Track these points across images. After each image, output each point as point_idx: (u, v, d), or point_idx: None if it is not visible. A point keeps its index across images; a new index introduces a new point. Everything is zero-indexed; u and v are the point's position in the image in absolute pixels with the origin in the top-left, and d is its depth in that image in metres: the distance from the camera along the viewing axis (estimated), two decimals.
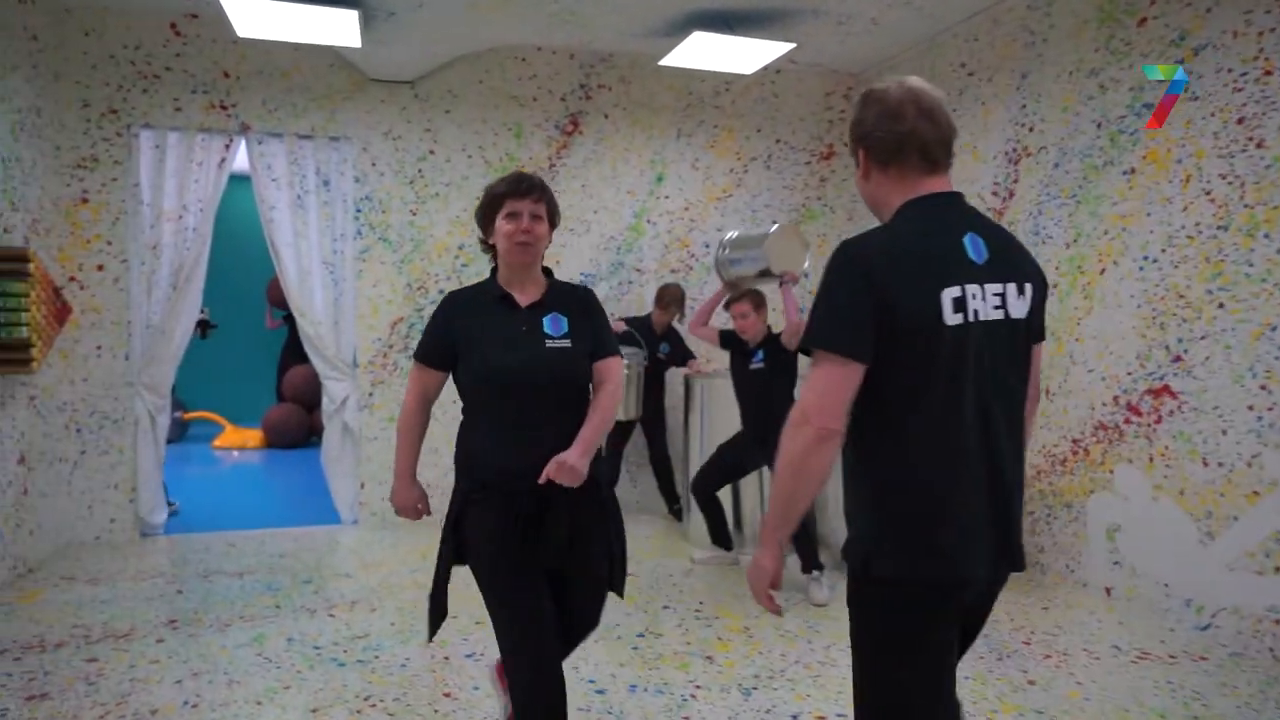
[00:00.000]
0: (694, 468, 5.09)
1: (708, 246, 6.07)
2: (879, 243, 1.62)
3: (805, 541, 4.20)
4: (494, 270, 2.36)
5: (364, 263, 5.49)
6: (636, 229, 5.95)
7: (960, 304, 1.57)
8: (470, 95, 5.62)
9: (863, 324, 1.55)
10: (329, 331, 5.47)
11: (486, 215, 2.31)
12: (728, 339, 4.64)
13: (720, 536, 4.69)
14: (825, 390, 1.56)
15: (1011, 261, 1.68)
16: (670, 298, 5.47)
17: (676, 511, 5.67)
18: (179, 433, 8.79)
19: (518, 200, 2.25)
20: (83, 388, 5.04)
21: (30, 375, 4.44)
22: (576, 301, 2.35)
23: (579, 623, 2.39)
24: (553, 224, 2.35)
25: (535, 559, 2.20)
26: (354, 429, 5.47)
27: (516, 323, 2.25)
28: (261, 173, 5.33)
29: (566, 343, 2.25)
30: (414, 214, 5.54)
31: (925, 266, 1.58)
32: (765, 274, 4.61)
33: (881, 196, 1.71)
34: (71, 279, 5.00)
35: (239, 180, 6.37)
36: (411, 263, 5.55)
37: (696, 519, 4.99)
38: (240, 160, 5.39)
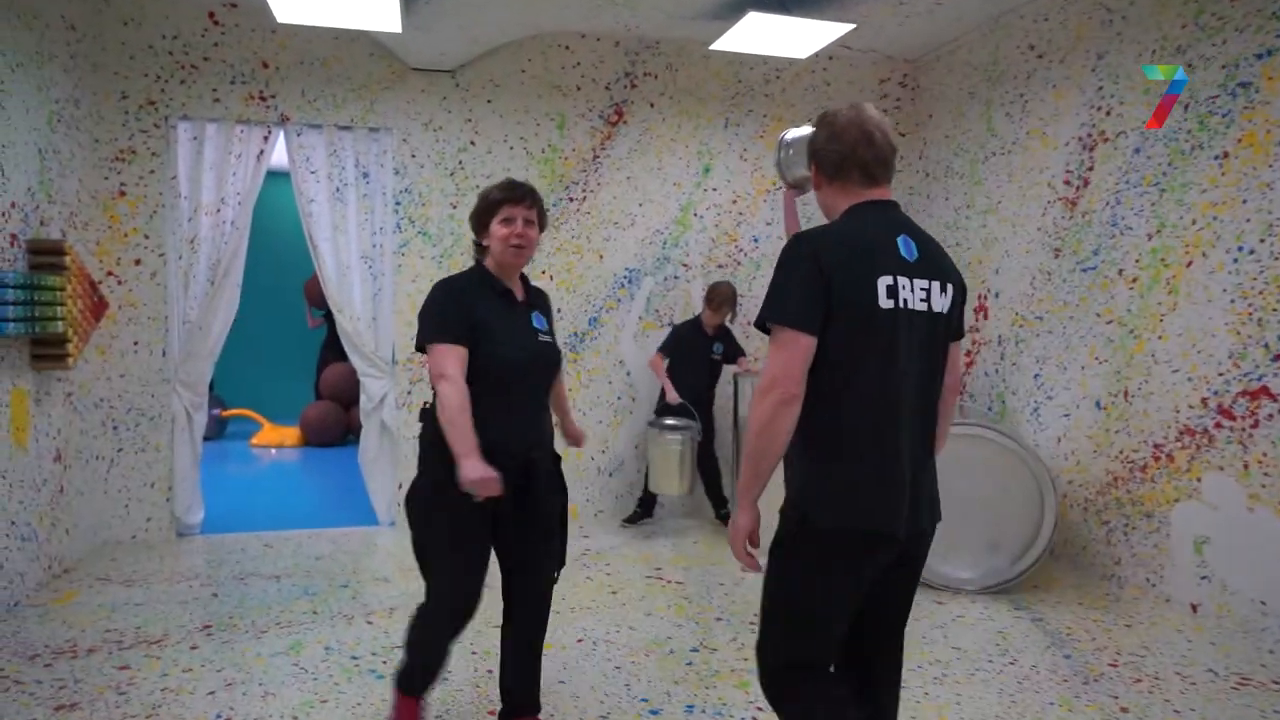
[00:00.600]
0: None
1: (756, 240, 5.84)
2: (826, 235, 1.88)
3: None
4: (480, 266, 2.55)
5: (403, 257, 5.35)
6: (683, 222, 5.74)
7: (892, 291, 1.84)
8: (512, 84, 5.45)
9: (813, 302, 1.79)
10: (367, 328, 5.33)
11: (482, 218, 2.51)
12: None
13: None
14: (786, 360, 1.79)
15: (937, 263, 1.94)
16: (721, 298, 5.26)
17: (724, 516, 5.46)
18: (217, 430, 8.75)
19: (513, 206, 2.47)
20: (120, 384, 4.94)
21: (66, 371, 4.34)
22: (545, 302, 2.68)
23: (534, 568, 2.60)
24: (541, 228, 2.56)
25: (488, 529, 2.48)
26: (392, 428, 5.33)
27: (518, 317, 2.51)
28: (300, 165, 5.20)
29: (550, 338, 2.58)
30: (454, 207, 5.38)
31: (864, 256, 1.84)
32: None
33: (831, 204, 1.99)
34: (109, 274, 4.91)
35: (277, 176, 6.26)
36: (452, 257, 5.39)
37: None
38: (278, 155, 5.28)
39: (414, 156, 5.33)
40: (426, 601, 2.51)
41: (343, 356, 9.02)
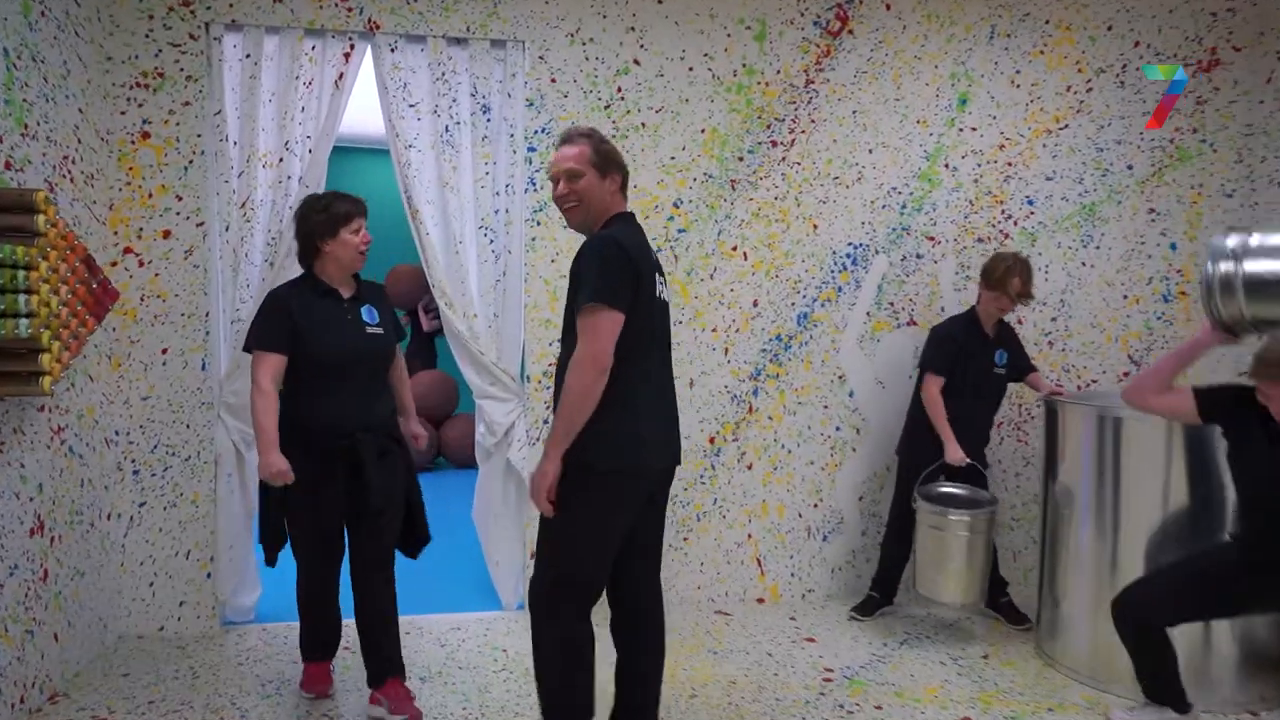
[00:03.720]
0: (1066, 553, 3.13)
1: (1031, 203, 4.07)
2: (623, 235, 2.25)
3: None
4: (309, 273, 2.83)
5: (539, 226, 3.73)
6: (928, 177, 4.00)
7: (654, 286, 2.29)
8: None
9: (625, 285, 2.16)
10: (486, 328, 3.73)
11: (331, 227, 2.77)
12: (1221, 403, 2.64)
13: (1165, 688, 2.71)
14: (602, 335, 2.12)
15: (658, 262, 2.42)
16: (1006, 271, 3.49)
17: (1005, 606, 3.71)
18: None
19: (362, 218, 2.83)
20: (140, 411, 3.44)
21: (47, 396, 2.83)
22: (379, 294, 2.96)
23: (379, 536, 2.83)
24: None
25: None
26: (522, 471, 3.72)
27: (344, 313, 2.80)
28: (394, 94, 3.62)
29: (379, 329, 2.86)
30: None
31: (646, 254, 2.29)
32: None
33: (607, 207, 2.35)
34: (127, 250, 3.41)
35: (352, 151, 4.72)
36: None
37: (1059, 628, 3.03)
38: (360, 92, 3.73)
39: (554, 82, 3.71)
40: (299, 577, 2.92)
41: (430, 364, 7.57)
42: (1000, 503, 3.71)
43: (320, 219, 2.75)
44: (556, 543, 2.26)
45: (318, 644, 2.98)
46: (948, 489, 3.43)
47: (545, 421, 3.77)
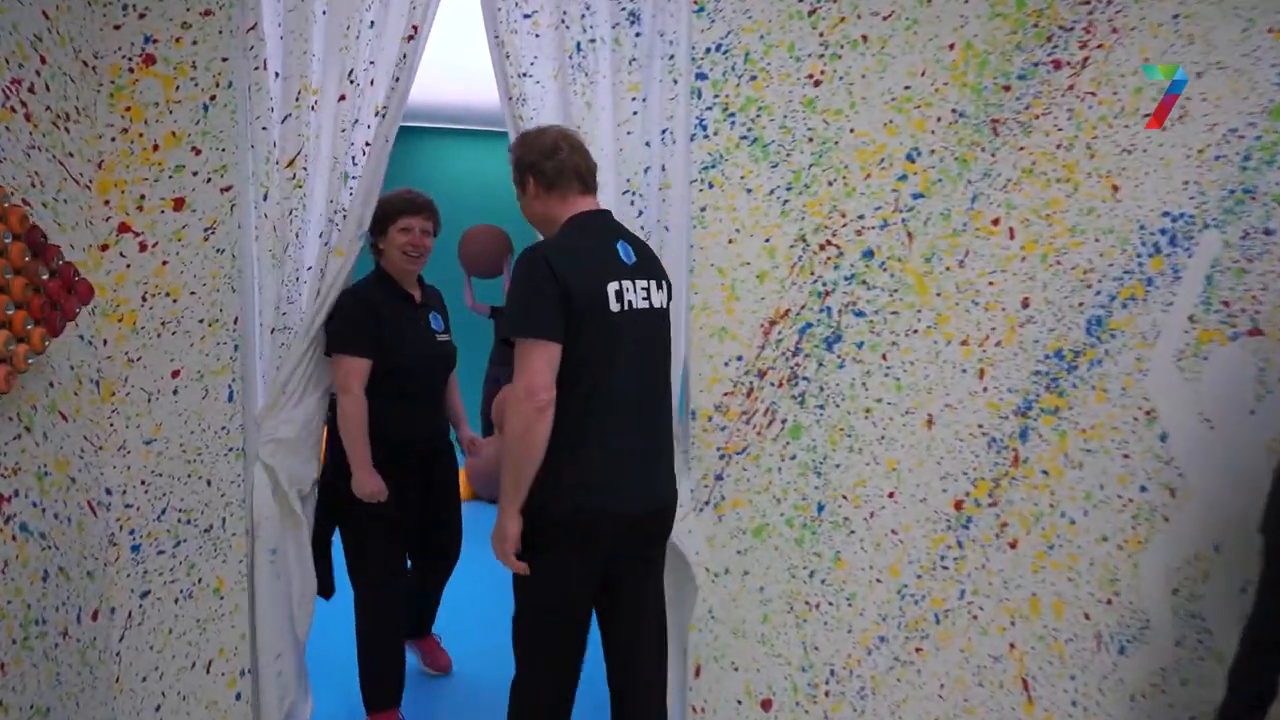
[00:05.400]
0: None
1: None
2: (556, 245, 2.01)
3: None
4: (380, 271, 2.73)
5: (711, 190, 2.55)
6: None
7: (619, 296, 2.00)
8: None
9: (553, 310, 1.92)
10: None
11: (380, 223, 2.64)
12: None
13: None
14: (535, 369, 1.90)
15: (651, 265, 2.15)
16: None
17: None
18: None
19: (412, 216, 2.69)
20: (142, 460, 2.38)
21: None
22: (440, 300, 2.93)
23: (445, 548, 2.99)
24: (435, 234, 2.79)
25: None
26: (683, 548, 2.53)
27: (418, 320, 2.75)
28: (503, 5, 2.49)
29: (446, 336, 2.85)
30: (816, 85, 2.55)
31: (592, 263, 2.00)
32: None
33: (548, 214, 2.10)
34: (123, 228, 2.35)
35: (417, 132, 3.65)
36: (811, 188, 2.55)
37: None
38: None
39: None
40: (362, 607, 2.72)
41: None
42: None
43: (375, 213, 2.54)
44: (518, 614, 2.10)
45: (390, 686, 2.77)
46: None
47: (719, 478, 2.58)
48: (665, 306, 2.15)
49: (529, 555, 2.00)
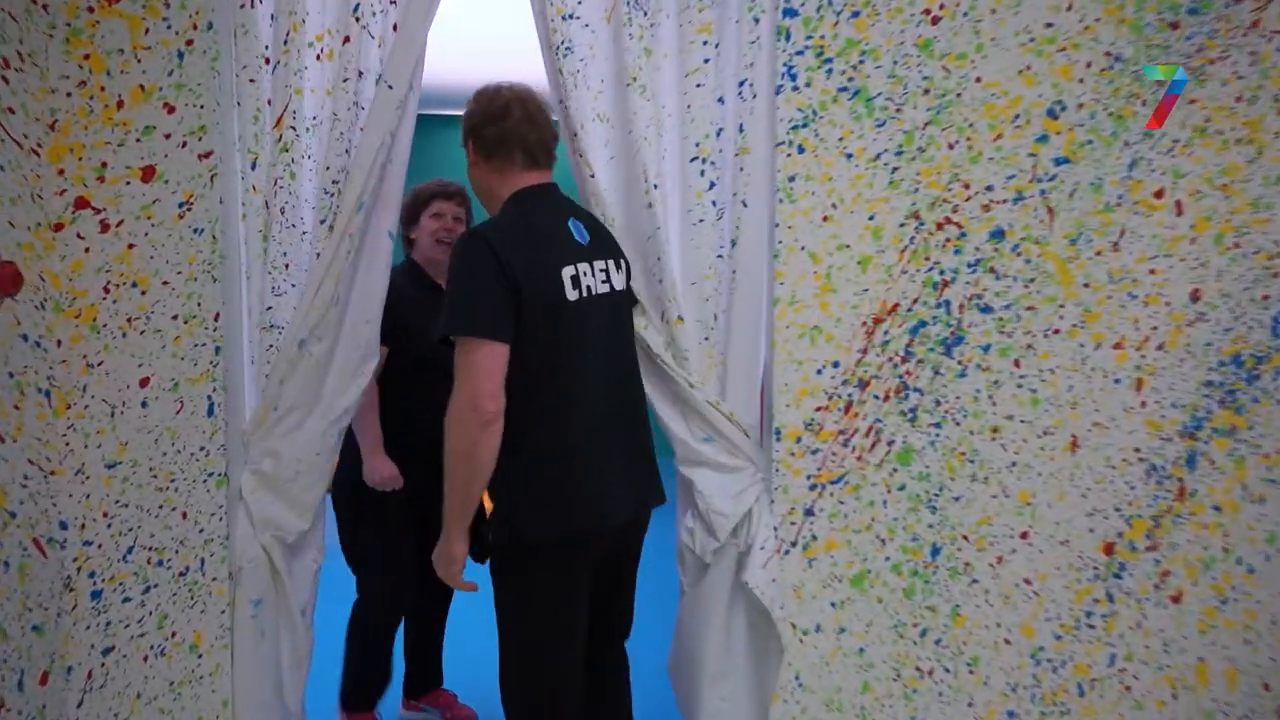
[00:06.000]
0: None
1: None
2: (501, 227, 1.78)
3: None
4: (410, 261, 2.65)
5: (801, 156, 2.04)
6: None
7: (576, 281, 1.78)
8: None
9: (500, 303, 1.68)
10: (699, 340, 2.07)
11: (412, 210, 2.61)
12: None
13: None
14: (479, 375, 1.66)
15: (606, 242, 1.91)
16: None
17: None
18: None
19: (445, 201, 2.61)
20: (104, 488, 1.93)
21: None
22: None
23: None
24: (467, 225, 2.63)
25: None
26: (770, 606, 2.04)
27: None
28: None
29: None
30: (934, 22, 2.04)
31: (544, 248, 1.77)
32: None
33: (487, 186, 1.89)
34: (80, 202, 1.91)
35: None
36: (927, 153, 2.04)
37: None
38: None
39: None
40: (360, 600, 2.58)
41: None
42: None
43: (408, 201, 2.58)
44: (504, 649, 1.85)
45: (371, 687, 2.66)
46: None
47: (809, 513, 2.09)
48: (625, 287, 1.94)
49: (512, 591, 1.81)
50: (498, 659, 1.86)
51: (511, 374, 1.71)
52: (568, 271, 1.77)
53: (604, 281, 1.85)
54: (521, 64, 3.20)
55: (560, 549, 1.77)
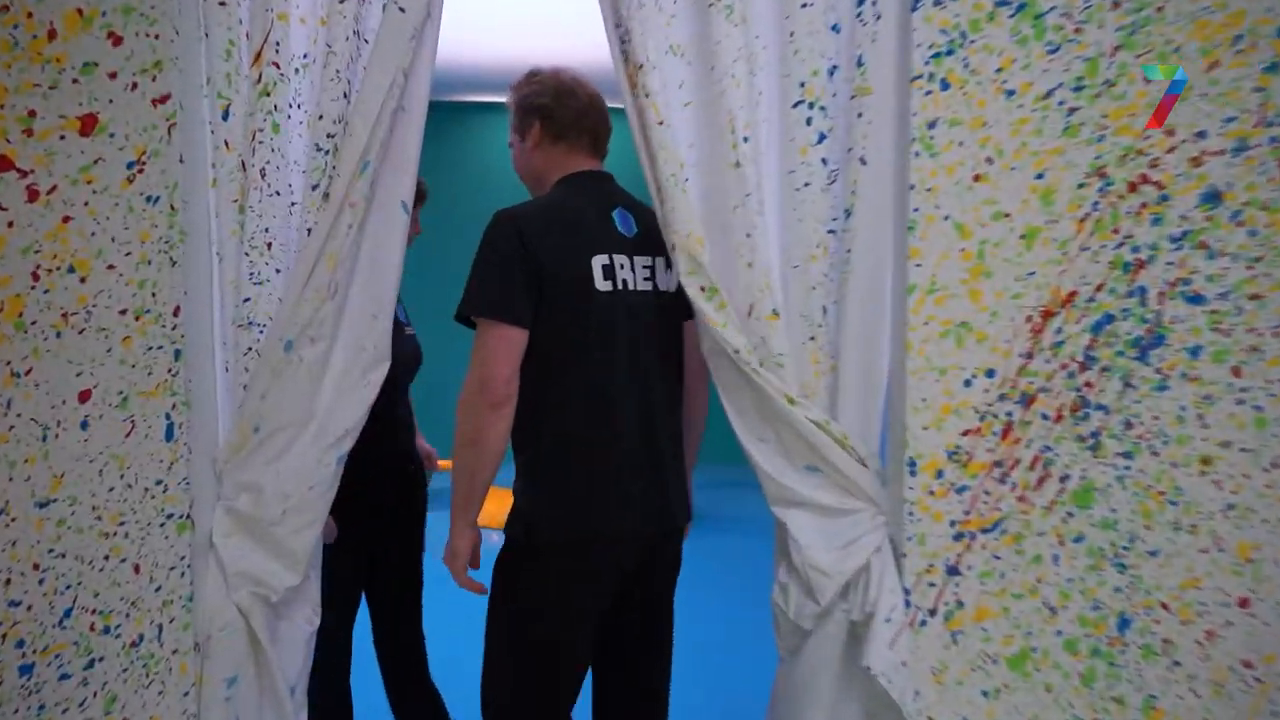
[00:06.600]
0: None
1: None
2: (533, 210, 1.70)
3: None
4: None
5: (944, 94, 1.53)
6: None
7: (609, 272, 1.68)
8: None
9: (520, 288, 1.61)
10: (803, 341, 1.59)
11: None
12: None
13: None
14: (491, 359, 1.60)
15: (659, 240, 1.69)
16: None
17: None
18: None
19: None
20: (34, 528, 1.49)
21: None
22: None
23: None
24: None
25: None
26: (900, 694, 1.54)
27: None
28: None
29: (413, 329, 2.42)
30: None
31: (575, 233, 1.67)
32: None
33: (543, 169, 1.80)
34: (3, 162, 1.48)
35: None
36: (1116, 88, 1.52)
37: None
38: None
39: None
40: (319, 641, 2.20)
41: None
42: None
43: None
44: (488, 659, 1.75)
45: None
46: None
47: (953, 571, 1.58)
48: (675, 290, 1.71)
49: (509, 594, 1.72)
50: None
51: (530, 363, 1.64)
52: (599, 260, 1.67)
53: (646, 279, 1.73)
54: (547, 43, 2.76)
55: (570, 552, 1.67)
